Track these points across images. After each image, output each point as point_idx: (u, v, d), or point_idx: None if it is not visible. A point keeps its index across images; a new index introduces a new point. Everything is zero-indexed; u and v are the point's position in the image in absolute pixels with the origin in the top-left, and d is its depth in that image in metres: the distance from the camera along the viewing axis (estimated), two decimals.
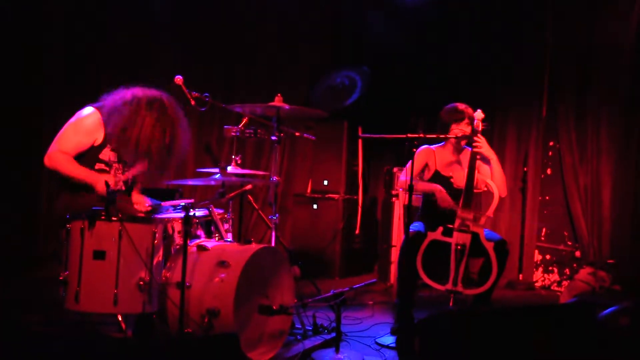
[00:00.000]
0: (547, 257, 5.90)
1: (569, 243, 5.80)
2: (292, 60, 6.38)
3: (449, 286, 3.84)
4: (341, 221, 6.02)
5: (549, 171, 5.95)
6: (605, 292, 5.14)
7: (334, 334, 3.38)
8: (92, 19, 5.70)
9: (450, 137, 4.12)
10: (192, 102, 3.58)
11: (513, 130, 5.97)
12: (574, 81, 5.71)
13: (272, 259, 3.49)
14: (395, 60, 6.44)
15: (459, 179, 4.13)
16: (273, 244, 3.84)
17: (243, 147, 5.89)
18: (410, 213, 3.86)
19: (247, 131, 4.01)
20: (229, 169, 3.81)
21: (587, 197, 5.59)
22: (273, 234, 3.92)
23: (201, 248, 3.34)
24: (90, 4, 5.72)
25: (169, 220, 3.46)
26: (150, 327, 3.29)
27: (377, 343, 3.77)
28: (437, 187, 4.04)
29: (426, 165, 4.23)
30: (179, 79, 3.56)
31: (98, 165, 3.49)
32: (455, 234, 3.89)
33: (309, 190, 6.29)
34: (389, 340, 3.80)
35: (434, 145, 4.28)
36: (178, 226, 3.47)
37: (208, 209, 3.61)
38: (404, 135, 3.79)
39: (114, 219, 3.06)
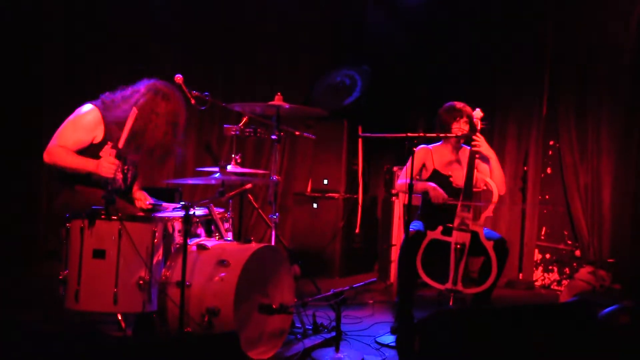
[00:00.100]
0: (547, 256, 5.90)
1: (569, 242, 5.80)
2: (292, 60, 6.38)
3: (448, 285, 3.84)
4: (341, 220, 6.02)
5: (549, 170, 5.95)
6: (606, 291, 5.15)
7: (334, 333, 3.38)
8: (91, 19, 5.70)
9: (450, 137, 4.12)
10: (192, 101, 3.59)
11: (513, 129, 5.97)
12: (574, 81, 5.71)
13: (272, 258, 3.49)
14: (396, 60, 6.44)
15: (458, 177, 4.13)
16: (273, 243, 3.84)
17: (243, 146, 5.88)
18: (410, 212, 3.86)
19: (247, 130, 4.01)
20: (229, 168, 3.81)
21: (587, 196, 5.60)
22: (273, 233, 3.92)
23: (201, 247, 3.34)
24: (90, 4, 5.71)
25: (169, 219, 3.46)
26: (150, 326, 3.28)
27: (377, 342, 3.77)
28: (430, 185, 4.04)
29: (423, 166, 4.23)
30: (179, 77, 3.56)
31: (103, 152, 3.48)
32: (454, 233, 3.89)
33: (309, 189, 6.28)
34: (389, 339, 3.80)
35: (431, 145, 4.28)
36: (178, 225, 3.48)
37: (208, 208, 3.61)
38: (404, 135, 3.79)
39: (113, 218, 3.06)
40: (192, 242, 3.39)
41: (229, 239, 3.66)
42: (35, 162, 4.94)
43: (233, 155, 4.01)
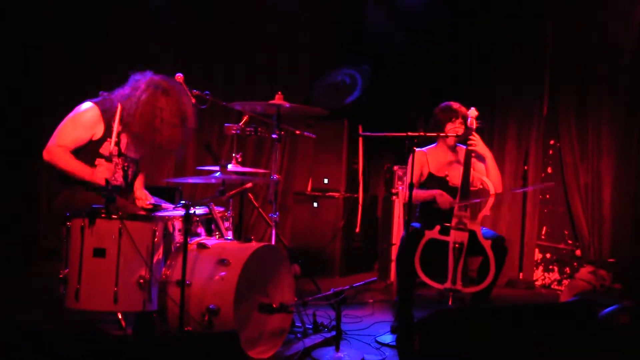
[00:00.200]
0: (548, 255, 5.90)
1: (570, 242, 5.80)
2: (292, 60, 6.38)
3: (447, 285, 3.84)
4: (341, 219, 6.02)
5: (549, 170, 5.95)
6: (606, 291, 5.15)
7: (334, 333, 3.37)
8: (91, 19, 5.69)
9: (450, 136, 4.12)
10: (193, 100, 3.59)
11: (513, 129, 5.98)
12: (574, 81, 5.72)
13: (272, 257, 3.49)
14: (396, 60, 6.44)
15: (454, 177, 4.14)
16: (273, 242, 3.84)
17: (243, 145, 5.87)
18: (410, 211, 3.86)
19: (248, 129, 4.01)
20: (230, 167, 3.81)
21: (587, 195, 5.60)
22: (273, 232, 3.92)
23: (201, 246, 3.34)
24: (90, 4, 5.71)
25: (170, 218, 3.46)
26: (150, 325, 3.28)
27: (377, 341, 3.77)
28: (437, 192, 4.04)
29: (420, 173, 4.23)
30: (179, 76, 3.56)
31: (98, 161, 3.50)
32: (452, 232, 3.89)
33: (309, 188, 6.28)
34: (389, 338, 3.80)
35: (425, 148, 4.28)
36: (178, 224, 3.48)
37: (208, 207, 3.61)
38: (404, 134, 3.79)
39: (114, 216, 3.06)
40: (193, 241, 3.39)
41: (229, 238, 3.65)
42: (35, 162, 4.92)
43: (233, 154, 4.01)
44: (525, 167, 5.91)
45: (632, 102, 5.41)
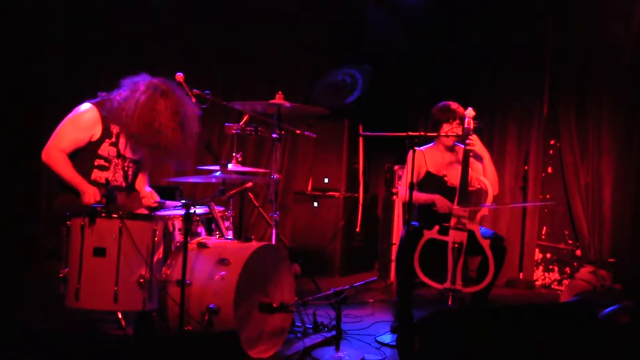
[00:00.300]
0: (548, 255, 5.90)
1: (570, 242, 5.80)
2: (292, 60, 6.37)
3: (447, 284, 3.84)
4: (342, 219, 6.02)
5: (549, 170, 5.95)
6: (606, 291, 5.14)
7: (334, 332, 3.38)
8: (91, 19, 5.69)
9: (451, 136, 4.12)
10: (193, 100, 3.59)
11: (514, 129, 5.98)
12: (574, 80, 5.72)
13: (272, 256, 3.49)
14: (396, 60, 6.44)
15: (453, 177, 4.14)
16: (273, 242, 3.84)
17: (244, 145, 5.87)
18: (410, 211, 3.86)
19: (248, 129, 4.01)
20: (230, 166, 3.81)
21: (587, 195, 5.60)
22: (273, 231, 3.92)
23: (201, 245, 3.34)
24: (90, 4, 5.71)
25: (170, 217, 3.46)
26: (151, 324, 3.28)
27: (377, 341, 3.77)
28: (436, 196, 4.03)
29: (418, 172, 4.22)
30: (180, 76, 3.57)
31: (97, 162, 3.50)
32: (451, 232, 3.89)
33: (309, 188, 6.28)
34: (389, 338, 3.80)
35: (423, 147, 4.28)
36: (178, 223, 3.47)
37: (209, 207, 3.61)
38: (405, 134, 3.79)
39: (114, 216, 3.07)
40: (193, 241, 3.39)
41: (229, 237, 3.66)
42: (35, 162, 4.88)
43: (234, 154, 4.01)
44: (526, 167, 5.91)
45: (632, 102, 5.41)
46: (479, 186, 4.17)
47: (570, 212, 5.72)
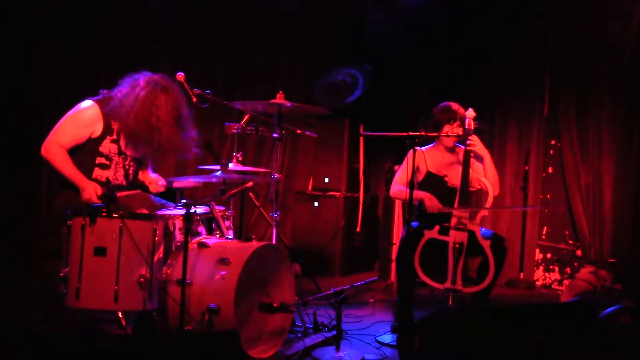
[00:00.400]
0: (548, 255, 5.90)
1: (570, 242, 5.80)
2: (292, 60, 6.37)
3: (447, 285, 3.84)
4: (342, 219, 6.02)
5: (550, 170, 5.95)
6: (606, 291, 5.14)
7: (334, 332, 3.37)
8: (91, 19, 5.69)
9: (450, 136, 4.12)
10: (194, 99, 3.59)
11: (514, 129, 5.98)
12: (574, 81, 5.72)
13: (272, 256, 3.49)
14: (396, 60, 6.44)
15: (453, 177, 4.14)
16: (274, 242, 3.84)
17: (244, 144, 5.88)
18: (411, 211, 3.86)
19: (249, 128, 4.01)
20: (230, 166, 3.81)
21: (588, 195, 5.60)
22: (274, 231, 3.92)
23: (202, 245, 3.34)
24: (90, 4, 5.70)
25: (170, 217, 3.46)
26: (151, 324, 3.28)
27: (377, 341, 3.77)
28: (426, 195, 4.03)
29: (417, 168, 4.22)
30: (180, 75, 3.56)
31: (99, 160, 3.49)
32: (452, 232, 3.89)
33: (310, 187, 6.28)
34: (389, 338, 3.80)
35: (424, 147, 4.28)
36: (179, 223, 3.47)
37: (209, 206, 3.61)
38: (405, 134, 3.79)
39: (114, 215, 3.06)
40: (193, 240, 3.39)
41: (229, 237, 3.65)
42: (35, 162, 4.92)
43: (234, 154, 4.01)
44: (526, 167, 5.91)
45: (632, 102, 5.41)
46: (479, 187, 4.16)
47: (570, 212, 5.72)
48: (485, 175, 4.13)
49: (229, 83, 6.24)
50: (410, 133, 3.78)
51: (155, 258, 3.18)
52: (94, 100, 3.50)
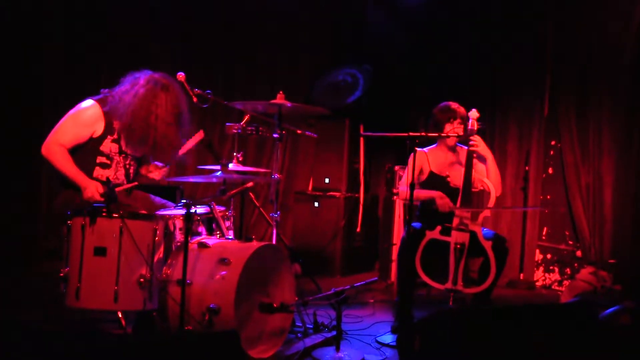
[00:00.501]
0: (548, 256, 5.90)
1: (570, 242, 5.80)
2: (292, 60, 6.38)
3: (448, 285, 3.83)
4: (342, 219, 6.02)
5: (550, 170, 5.95)
6: (607, 291, 5.14)
7: (334, 332, 3.37)
8: (91, 19, 5.69)
9: (451, 136, 4.12)
10: (194, 99, 3.59)
11: (514, 129, 5.98)
12: (574, 81, 5.72)
13: (273, 256, 3.48)
14: (396, 60, 6.45)
15: (456, 178, 4.14)
16: (274, 242, 3.84)
17: (245, 145, 5.88)
18: (411, 211, 3.86)
19: (249, 128, 4.00)
20: (231, 166, 3.81)
21: (588, 196, 5.59)
22: (274, 231, 3.92)
23: (202, 245, 3.33)
24: (90, 4, 5.70)
25: (170, 217, 3.46)
26: (151, 324, 3.28)
27: (377, 341, 3.77)
28: (437, 194, 4.03)
29: (421, 170, 4.22)
30: (181, 75, 3.56)
31: (99, 159, 3.49)
32: (453, 233, 3.89)
33: (310, 188, 6.29)
34: (390, 338, 3.79)
35: (426, 148, 4.28)
36: (179, 223, 3.47)
37: (209, 206, 3.61)
38: (406, 134, 3.79)
39: (115, 215, 3.06)
40: (193, 240, 3.39)
41: (230, 237, 3.65)
42: (35, 162, 4.93)
43: (235, 154, 4.01)
44: (527, 168, 5.91)
45: (632, 102, 5.40)
46: (481, 187, 4.16)
47: (570, 213, 5.71)
48: (487, 176, 4.13)
49: (229, 83, 6.24)
50: (411, 133, 3.78)
51: (156, 258, 3.18)
52: (95, 100, 3.50)
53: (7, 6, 5.24)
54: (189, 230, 3.12)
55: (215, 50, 6.21)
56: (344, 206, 6.06)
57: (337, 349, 3.33)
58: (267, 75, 6.29)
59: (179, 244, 3.41)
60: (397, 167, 5.63)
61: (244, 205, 4.63)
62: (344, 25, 6.56)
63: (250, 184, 3.79)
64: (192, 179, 3.61)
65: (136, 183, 3.59)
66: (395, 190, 5.56)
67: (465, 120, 4.09)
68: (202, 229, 3.66)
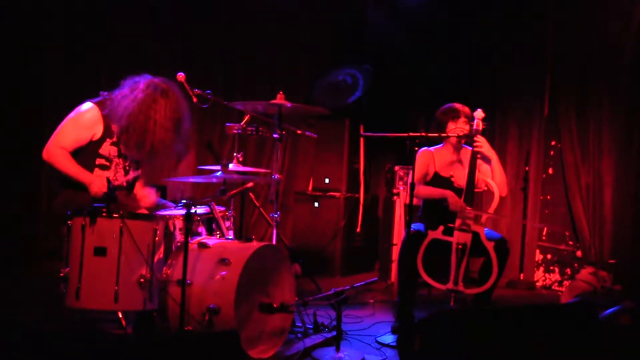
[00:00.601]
0: (548, 256, 5.90)
1: (570, 243, 5.80)
2: (292, 60, 6.37)
3: (449, 285, 3.83)
4: (342, 219, 6.02)
5: (550, 171, 5.95)
6: (607, 292, 5.14)
7: (334, 333, 3.37)
8: (91, 19, 5.69)
9: (451, 136, 4.12)
10: (194, 99, 3.59)
11: (514, 129, 5.98)
12: (574, 81, 5.72)
13: (273, 256, 3.48)
14: (396, 60, 6.45)
15: (460, 178, 4.13)
16: (274, 242, 3.84)
17: (245, 145, 5.87)
18: (411, 212, 3.86)
19: (249, 129, 4.00)
20: (231, 166, 3.81)
21: (588, 196, 5.59)
22: (274, 231, 3.92)
23: (202, 245, 3.33)
24: (90, 4, 5.70)
25: (170, 217, 3.46)
26: (151, 324, 3.28)
27: (377, 342, 3.77)
28: (449, 192, 4.02)
29: (427, 172, 4.22)
30: (181, 75, 3.56)
31: (99, 161, 3.50)
32: (456, 233, 3.88)
33: (310, 188, 6.29)
34: (390, 339, 3.79)
35: (432, 147, 4.27)
36: (179, 223, 3.47)
37: (209, 207, 3.61)
38: (406, 134, 3.79)
39: (115, 215, 3.06)
40: (193, 241, 3.39)
41: (230, 237, 3.65)
42: (35, 162, 4.90)
43: (235, 154, 4.01)
44: (527, 168, 5.91)
45: (632, 102, 5.40)
46: (485, 188, 4.16)
47: (570, 213, 5.72)
48: (492, 176, 4.13)
49: (229, 83, 6.23)
50: (411, 134, 3.78)
51: (156, 258, 3.18)
52: (94, 103, 3.51)
53: (7, 6, 5.24)
54: (189, 231, 3.12)
55: (215, 50, 6.20)
56: (344, 206, 6.06)
57: (337, 349, 3.33)
58: (267, 75, 6.28)
59: (179, 244, 3.41)
60: (397, 167, 5.63)
61: (244, 205, 4.63)
62: (344, 25, 6.56)
63: (250, 184, 3.78)
64: (192, 179, 3.61)
65: (139, 172, 3.59)
66: (395, 191, 5.56)
67: (470, 119, 4.09)
68: (202, 229, 3.66)
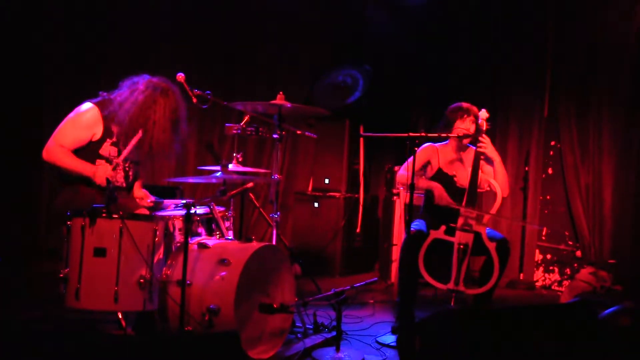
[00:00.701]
0: (548, 256, 5.90)
1: (570, 243, 5.80)
2: (292, 60, 6.38)
3: (450, 285, 3.83)
4: (342, 219, 6.02)
5: (550, 171, 5.95)
6: (606, 292, 5.14)
7: (334, 333, 3.37)
8: (92, 19, 5.69)
9: (452, 136, 4.12)
10: (194, 100, 3.58)
11: (514, 129, 5.98)
12: (574, 81, 5.72)
13: (273, 257, 3.48)
14: (396, 60, 6.44)
15: (462, 177, 4.13)
16: (274, 242, 3.84)
17: (244, 145, 5.88)
18: (411, 212, 3.86)
19: (249, 129, 4.00)
20: (231, 166, 3.81)
21: (588, 196, 5.59)
22: (274, 232, 3.92)
23: (202, 246, 3.33)
24: (90, 4, 5.70)
25: (170, 217, 3.46)
26: (151, 324, 3.28)
27: (377, 342, 3.77)
28: (436, 185, 4.03)
29: (428, 163, 4.23)
30: (180, 76, 3.55)
31: (99, 162, 3.49)
32: (457, 233, 3.88)
33: (310, 188, 6.29)
34: (390, 339, 3.79)
35: (438, 144, 4.28)
36: (179, 224, 3.47)
37: (209, 207, 3.61)
38: (406, 134, 3.79)
39: (115, 216, 3.06)
40: (193, 241, 3.39)
41: (229, 237, 3.65)
42: (35, 162, 4.90)
43: (234, 154, 4.01)
44: (527, 168, 5.91)
45: (632, 102, 5.41)
46: (487, 188, 4.16)
47: (570, 213, 5.72)
48: (495, 177, 4.13)
49: (229, 83, 6.24)
50: (411, 134, 3.78)
51: (155, 259, 3.18)
52: (94, 103, 3.51)
53: (7, 6, 5.24)
54: (189, 231, 3.12)
55: (215, 50, 6.21)
56: (343, 206, 6.06)
57: (337, 350, 3.33)
58: (267, 75, 6.29)
59: (178, 244, 3.41)
60: (397, 168, 5.63)
61: (244, 205, 4.64)
62: (344, 25, 6.56)
63: (250, 185, 3.78)
64: (192, 180, 3.60)
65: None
66: (395, 191, 5.56)
67: (477, 119, 4.09)
68: (201, 229, 3.66)
